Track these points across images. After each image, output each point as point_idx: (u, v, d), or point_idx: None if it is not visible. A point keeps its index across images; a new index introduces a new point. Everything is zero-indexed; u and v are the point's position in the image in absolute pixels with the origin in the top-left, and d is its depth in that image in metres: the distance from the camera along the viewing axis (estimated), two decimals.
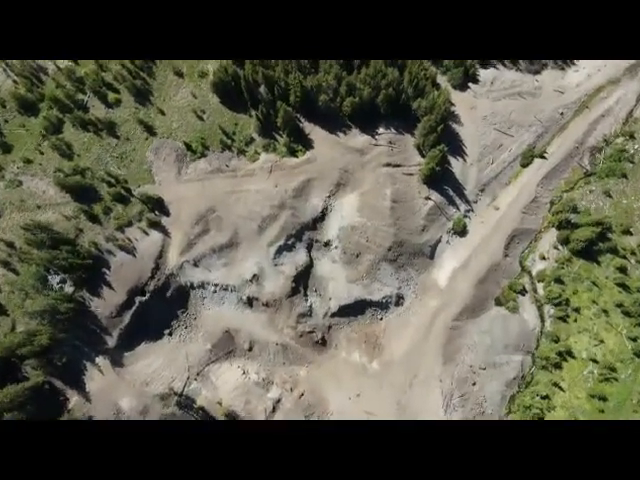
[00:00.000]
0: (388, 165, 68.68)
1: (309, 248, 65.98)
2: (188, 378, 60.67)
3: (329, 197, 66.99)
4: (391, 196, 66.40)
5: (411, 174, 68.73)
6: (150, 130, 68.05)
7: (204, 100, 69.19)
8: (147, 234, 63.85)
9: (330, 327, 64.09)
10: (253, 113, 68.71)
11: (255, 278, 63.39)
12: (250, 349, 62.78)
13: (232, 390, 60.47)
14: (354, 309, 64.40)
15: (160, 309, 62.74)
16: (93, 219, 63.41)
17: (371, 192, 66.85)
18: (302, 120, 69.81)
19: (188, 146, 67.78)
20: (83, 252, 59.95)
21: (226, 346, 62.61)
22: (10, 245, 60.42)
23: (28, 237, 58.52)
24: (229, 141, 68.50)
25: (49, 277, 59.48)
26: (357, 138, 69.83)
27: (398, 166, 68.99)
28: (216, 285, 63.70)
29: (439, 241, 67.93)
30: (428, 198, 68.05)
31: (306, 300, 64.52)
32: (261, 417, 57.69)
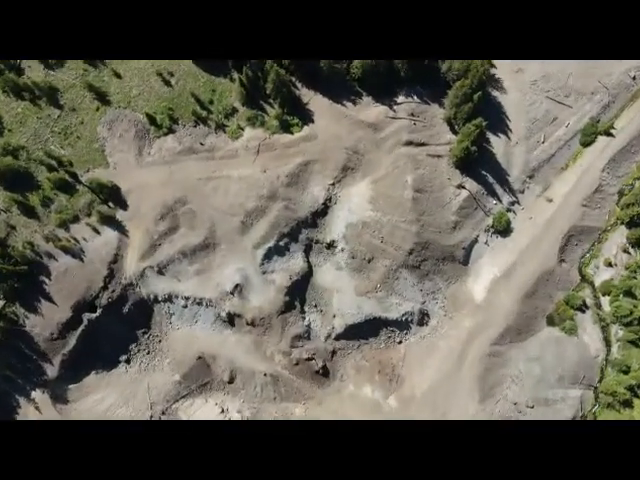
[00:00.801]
0: (410, 144, 67.61)
1: (307, 251, 65.33)
2: (151, 417, 59.71)
3: (333, 185, 66.12)
4: (413, 184, 65.40)
5: (439, 156, 67.70)
6: (102, 98, 66.82)
7: (172, 60, 67.50)
8: (98, 232, 62.77)
9: (334, 353, 63.46)
10: (236, 76, 67.21)
11: (237, 289, 62.55)
12: (231, 381, 62.02)
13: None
14: (365, 330, 63.72)
15: (115, 329, 62.00)
16: (29, 213, 62.19)
17: (388, 179, 65.95)
18: (299, 86, 68.83)
19: (152, 119, 66.55)
20: (15, 255, 58.79)
21: (200, 377, 61.86)
22: None
23: None
24: (204, 112, 67.32)
25: None
26: (370, 109, 68.82)
27: (422, 145, 67.98)
28: (187, 298, 62.89)
29: (475, 242, 67.11)
30: (461, 186, 66.99)
31: (303, 318, 63.75)
32: None
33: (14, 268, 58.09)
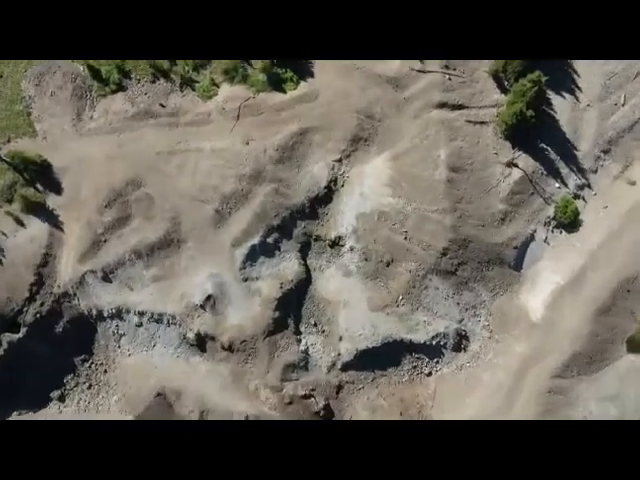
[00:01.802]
0: (443, 106, 67.34)
1: (304, 251, 65.13)
2: None
3: (339, 162, 65.97)
4: (448, 160, 65.16)
5: (483, 122, 67.37)
6: None
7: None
8: (22, 224, 62.81)
9: (340, 388, 62.90)
10: None
11: (210, 302, 62.43)
12: None
13: None
14: (382, 357, 63.29)
15: (44, 355, 61.71)
16: None
17: (413, 154, 65.81)
18: None
19: (95, 72, 66.76)
20: None
21: (159, 419, 60.86)
22: None
23: None
24: (165, 64, 67.20)
25: None
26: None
27: (460, 108, 67.75)
28: (142, 314, 62.75)
29: (531, 239, 66.76)
30: (512, 164, 66.63)
31: (299, 341, 63.42)
32: None
33: None
